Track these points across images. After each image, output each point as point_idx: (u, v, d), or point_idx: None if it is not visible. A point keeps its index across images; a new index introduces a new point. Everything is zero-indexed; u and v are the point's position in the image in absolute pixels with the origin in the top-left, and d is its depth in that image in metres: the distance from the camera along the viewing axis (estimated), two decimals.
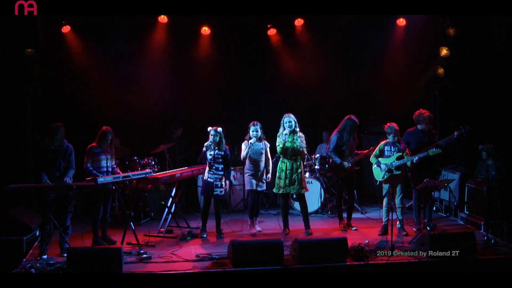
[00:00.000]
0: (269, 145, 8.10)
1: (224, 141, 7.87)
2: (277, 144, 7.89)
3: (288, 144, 7.78)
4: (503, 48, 9.13)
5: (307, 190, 8.04)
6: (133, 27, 9.71)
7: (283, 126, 7.85)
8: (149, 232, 7.97)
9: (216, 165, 7.80)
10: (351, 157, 8.12)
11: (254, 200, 8.12)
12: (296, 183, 7.84)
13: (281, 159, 7.91)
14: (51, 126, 7.09)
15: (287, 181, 7.84)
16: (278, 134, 7.93)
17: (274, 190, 8.03)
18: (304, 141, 7.90)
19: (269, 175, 8.11)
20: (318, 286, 5.96)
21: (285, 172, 7.85)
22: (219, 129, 7.80)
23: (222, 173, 7.85)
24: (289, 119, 7.82)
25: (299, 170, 7.89)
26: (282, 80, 10.56)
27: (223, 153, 7.83)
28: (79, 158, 7.32)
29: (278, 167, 7.94)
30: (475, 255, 6.74)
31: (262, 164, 8.05)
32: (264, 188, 8.16)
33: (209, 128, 7.81)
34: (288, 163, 7.85)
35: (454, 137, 7.88)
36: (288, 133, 7.74)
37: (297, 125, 7.85)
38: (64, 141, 7.14)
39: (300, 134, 7.89)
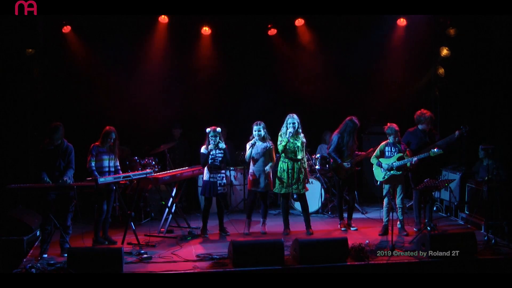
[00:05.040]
0: (272, 146, 8.08)
1: (222, 140, 7.88)
2: (278, 142, 7.89)
3: (290, 144, 7.79)
4: (503, 48, 9.14)
5: (307, 189, 8.05)
6: (133, 27, 9.70)
7: (286, 126, 7.86)
8: (149, 232, 7.97)
9: (218, 165, 7.82)
10: (351, 158, 8.11)
11: (253, 201, 8.14)
12: (298, 182, 7.85)
13: (282, 158, 7.92)
14: (50, 125, 7.10)
15: (289, 181, 7.84)
16: (280, 133, 7.93)
17: (275, 190, 8.03)
18: (305, 143, 7.92)
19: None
20: (319, 286, 5.97)
21: (287, 172, 7.85)
22: (218, 129, 7.81)
23: (223, 172, 7.89)
24: (292, 120, 7.82)
25: (302, 170, 7.90)
26: (282, 79, 10.56)
27: (222, 152, 7.84)
28: (79, 158, 7.32)
29: (279, 166, 7.95)
30: (476, 255, 6.73)
31: (265, 164, 8.03)
32: (264, 189, 8.13)
33: (208, 129, 7.81)
34: (289, 163, 7.85)
35: (455, 136, 7.89)
36: (292, 133, 7.74)
37: (300, 126, 7.86)
38: (64, 141, 7.14)
39: (302, 135, 7.91)
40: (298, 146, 7.86)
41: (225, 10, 7.75)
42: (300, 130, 7.91)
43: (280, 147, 7.85)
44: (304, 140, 7.94)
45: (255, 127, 7.96)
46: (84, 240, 7.33)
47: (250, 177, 8.05)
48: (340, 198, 8.39)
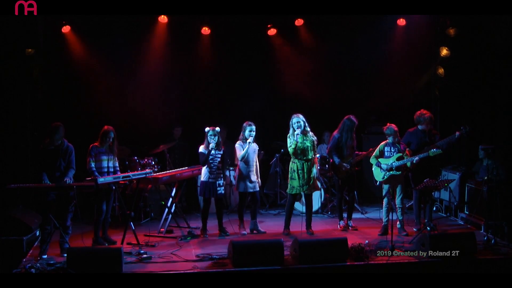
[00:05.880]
0: (258, 148, 8.11)
1: (221, 140, 7.87)
2: (288, 145, 7.86)
3: (299, 145, 7.76)
4: (503, 48, 9.14)
5: (318, 188, 8.04)
6: (133, 27, 9.69)
7: (292, 126, 7.83)
8: (149, 232, 7.98)
9: (217, 165, 7.82)
10: (351, 157, 8.11)
11: (244, 202, 8.11)
12: (309, 183, 7.83)
13: (292, 159, 7.90)
14: (51, 125, 7.10)
15: (300, 181, 7.81)
16: (288, 135, 7.90)
17: (288, 191, 8.02)
18: (315, 141, 7.91)
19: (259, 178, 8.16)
20: (318, 286, 5.96)
21: (297, 172, 7.82)
22: (217, 129, 7.80)
23: (222, 172, 7.88)
24: (297, 120, 7.80)
25: (313, 170, 7.88)
26: (282, 79, 10.55)
27: (222, 152, 7.84)
28: (80, 158, 7.32)
29: (290, 167, 7.93)
30: (475, 255, 6.73)
31: (255, 165, 8.03)
32: (258, 189, 8.12)
33: (207, 129, 7.80)
34: (299, 163, 7.82)
35: (455, 137, 7.89)
36: (299, 133, 7.73)
37: (306, 125, 7.84)
38: (64, 141, 7.14)
39: (311, 134, 7.89)
40: (307, 146, 7.81)
41: (225, 10, 7.75)
42: (308, 129, 7.88)
43: (290, 150, 7.81)
44: (313, 138, 7.90)
45: (248, 127, 7.92)
46: (83, 240, 7.33)
47: (239, 177, 7.98)
48: (340, 198, 8.39)
